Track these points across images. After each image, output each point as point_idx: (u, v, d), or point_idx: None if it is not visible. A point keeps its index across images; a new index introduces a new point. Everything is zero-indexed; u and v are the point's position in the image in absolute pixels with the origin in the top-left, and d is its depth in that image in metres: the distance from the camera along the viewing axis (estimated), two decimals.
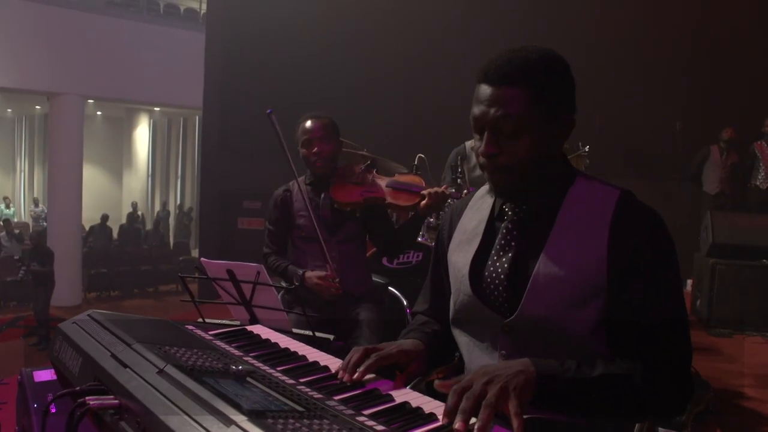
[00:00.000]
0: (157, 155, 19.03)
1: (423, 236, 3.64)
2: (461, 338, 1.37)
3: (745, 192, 6.77)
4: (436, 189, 2.47)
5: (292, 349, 1.30)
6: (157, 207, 18.72)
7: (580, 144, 4.68)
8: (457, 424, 0.95)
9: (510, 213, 1.30)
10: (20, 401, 2.26)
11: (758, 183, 6.66)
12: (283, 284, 2.51)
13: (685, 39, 6.88)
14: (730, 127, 6.64)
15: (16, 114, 19.76)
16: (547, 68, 1.21)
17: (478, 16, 7.09)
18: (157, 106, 17.03)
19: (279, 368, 1.15)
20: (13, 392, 2.37)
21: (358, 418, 0.93)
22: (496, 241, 1.31)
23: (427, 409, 1.01)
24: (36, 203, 18.68)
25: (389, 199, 2.54)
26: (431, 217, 3.66)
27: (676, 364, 1.16)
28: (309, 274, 2.52)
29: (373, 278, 2.80)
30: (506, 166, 1.22)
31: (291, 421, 0.87)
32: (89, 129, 15.28)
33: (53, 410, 1.43)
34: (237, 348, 1.26)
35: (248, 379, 1.04)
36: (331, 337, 2.10)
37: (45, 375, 2.21)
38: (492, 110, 1.20)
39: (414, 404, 1.02)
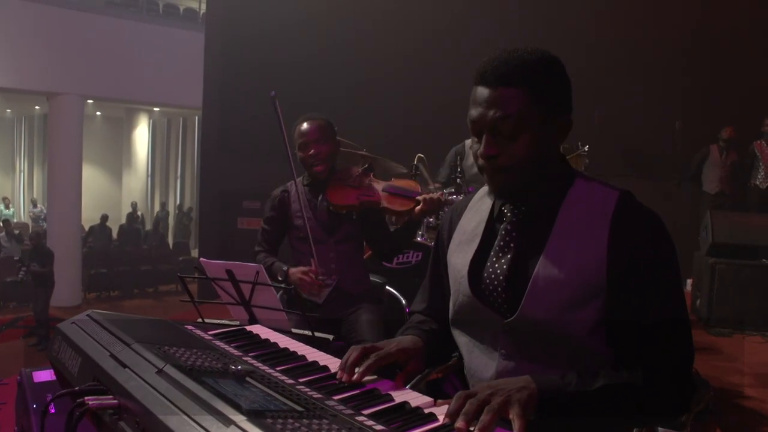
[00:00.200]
0: (156, 155, 19.03)
1: (423, 236, 3.64)
2: (461, 338, 1.37)
3: (745, 191, 6.78)
4: (431, 195, 2.46)
5: (291, 349, 1.30)
6: (157, 207, 18.72)
7: (579, 144, 4.69)
8: (459, 424, 0.95)
9: (509, 214, 1.30)
10: (20, 401, 2.26)
11: (758, 182, 6.66)
12: (283, 284, 2.51)
13: (684, 39, 6.88)
14: (730, 126, 6.64)
15: (16, 114, 19.76)
16: (544, 68, 1.21)
17: (477, 16, 7.09)
18: (156, 106, 17.02)
19: (278, 368, 1.15)
20: (13, 392, 2.37)
21: (357, 418, 0.93)
22: (496, 242, 1.31)
23: (426, 410, 1.01)
24: (34, 204, 18.68)
25: (384, 204, 2.54)
26: (431, 217, 3.66)
27: (677, 366, 1.16)
28: (293, 270, 2.50)
29: (372, 278, 2.81)
30: (506, 166, 1.22)
31: (290, 420, 0.87)
32: (89, 129, 15.28)
33: (52, 410, 1.43)
34: (236, 348, 1.26)
35: (247, 378, 1.03)
36: (331, 336, 2.10)
37: (44, 375, 2.21)
38: (490, 112, 1.20)
39: (413, 404, 1.02)
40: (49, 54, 11.73)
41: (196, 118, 15.86)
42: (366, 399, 1.04)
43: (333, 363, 1.22)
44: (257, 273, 2.05)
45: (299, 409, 0.93)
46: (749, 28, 6.79)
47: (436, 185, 3.78)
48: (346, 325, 2.52)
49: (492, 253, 1.30)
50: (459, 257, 1.36)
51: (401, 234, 2.65)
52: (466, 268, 1.32)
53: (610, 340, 1.20)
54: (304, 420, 0.88)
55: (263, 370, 1.11)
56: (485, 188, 1.38)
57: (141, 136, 18.51)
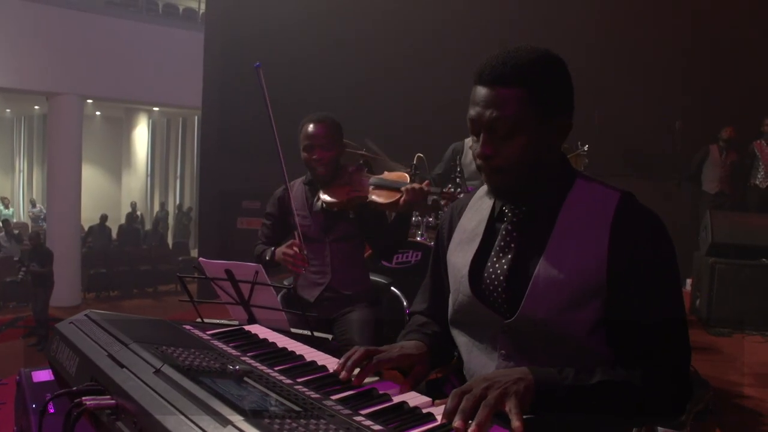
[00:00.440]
0: (156, 155, 19.02)
1: (422, 236, 3.64)
2: (460, 338, 1.37)
3: (745, 191, 6.78)
4: (413, 185, 2.41)
5: (289, 349, 1.29)
6: (156, 207, 18.72)
7: (579, 143, 4.69)
8: (456, 423, 0.95)
9: (509, 214, 1.30)
10: (19, 402, 2.25)
11: (758, 182, 6.66)
12: (281, 284, 2.51)
13: (684, 38, 6.88)
14: (730, 126, 6.64)
15: (15, 114, 19.75)
16: (543, 68, 1.20)
17: (477, 16, 7.09)
18: (156, 106, 17.02)
19: (276, 368, 1.14)
20: (12, 392, 2.36)
21: (355, 418, 0.92)
22: (496, 242, 1.30)
23: (424, 409, 1.01)
24: (33, 204, 18.68)
25: (372, 197, 2.51)
26: (430, 217, 3.66)
27: (675, 367, 1.16)
28: (278, 249, 2.50)
29: (376, 278, 2.80)
30: (502, 167, 1.22)
31: (288, 420, 0.86)
32: (88, 129, 15.28)
33: (51, 410, 1.43)
34: (234, 348, 1.26)
35: (245, 379, 1.03)
36: (330, 336, 2.10)
37: (43, 375, 2.21)
38: (487, 112, 1.19)
39: (411, 404, 1.02)
40: (49, 54, 11.73)
41: (196, 118, 15.86)
42: (364, 399, 1.03)
43: (331, 363, 1.21)
44: (256, 273, 2.05)
45: (297, 409, 0.93)
46: (749, 28, 6.79)
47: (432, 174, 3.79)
48: (338, 325, 2.51)
49: (492, 252, 1.30)
50: (459, 257, 1.36)
51: (393, 229, 2.60)
52: (467, 267, 1.32)
53: (609, 340, 1.20)
54: (302, 420, 0.88)
55: (261, 370, 1.11)
56: (485, 187, 1.38)
57: (140, 136, 18.51)
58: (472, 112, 1.22)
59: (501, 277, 1.27)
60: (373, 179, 2.56)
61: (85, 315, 1.29)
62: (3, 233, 14.22)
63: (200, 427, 0.82)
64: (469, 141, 3.60)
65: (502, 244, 1.29)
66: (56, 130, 12.51)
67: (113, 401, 0.96)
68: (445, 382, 1.46)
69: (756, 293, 4.77)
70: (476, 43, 5.88)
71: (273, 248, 2.55)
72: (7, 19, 11.31)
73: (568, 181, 1.27)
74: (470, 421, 0.96)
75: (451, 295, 1.38)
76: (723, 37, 6.76)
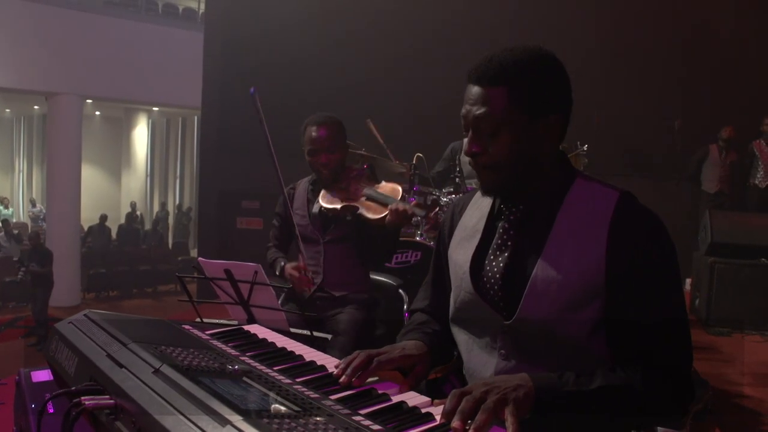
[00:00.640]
0: (155, 155, 19.02)
1: (422, 236, 3.64)
2: (460, 336, 1.37)
3: (744, 191, 6.77)
4: (398, 206, 2.36)
5: (288, 349, 1.29)
6: (156, 207, 18.72)
7: (578, 143, 4.69)
8: (455, 424, 0.95)
9: (506, 212, 1.30)
10: (18, 402, 2.25)
11: (757, 182, 6.66)
12: (280, 284, 2.51)
13: (684, 38, 6.88)
14: (729, 125, 6.63)
15: (15, 114, 19.75)
16: (529, 67, 1.20)
17: (477, 16, 7.09)
18: (155, 106, 17.01)
19: (275, 368, 1.14)
20: (11, 393, 2.36)
21: (354, 418, 0.92)
22: (494, 240, 1.30)
23: (423, 409, 1.00)
24: (33, 203, 18.67)
25: (361, 209, 2.48)
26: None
27: (676, 367, 1.16)
28: (288, 265, 2.52)
29: (384, 279, 2.79)
30: (489, 165, 1.23)
31: (287, 420, 0.86)
32: (88, 129, 15.27)
33: (51, 410, 1.43)
34: (233, 348, 1.26)
35: (244, 378, 1.03)
36: (329, 336, 2.10)
37: (43, 375, 2.21)
38: (473, 109, 1.21)
39: (410, 404, 1.02)
40: (48, 54, 11.72)
41: (196, 118, 15.85)
42: (363, 399, 1.03)
43: (330, 362, 1.21)
44: (255, 273, 2.05)
45: (296, 408, 0.93)
46: (748, 26, 6.79)
47: (434, 193, 3.76)
48: (327, 325, 2.50)
49: (490, 250, 1.30)
50: (460, 253, 1.36)
51: (381, 241, 2.54)
52: (468, 264, 1.32)
53: (609, 341, 1.19)
54: (301, 420, 0.88)
55: (260, 370, 1.11)
56: None
57: (140, 136, 18.50)
58: (463, 110, 1.24)
59: (497, 275, 1.27)
60: (366, 190, 2.52)
61: (84, 315, 1.29)
62: (2, 233, 14.23)
63: (199, 427, 0.82)
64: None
65: (500, 242, 1.29)
66: (56, 130, 12.50)
67: (112, 401, 0.96)
68: (444, 381, 1.46)
69: (755, 293, 4.77)
70: (476, 43, 5.87)
71: (283, 263, 2.57)
72: (7, 19, 11.30)
73: (567, 180, 1.27)
74: (469, 421, 0.96)
75: (452, 292, 1.37)
76: (723, 36, 6.76)
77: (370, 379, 1.15)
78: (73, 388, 1.04)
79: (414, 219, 2.48)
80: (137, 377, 0.97)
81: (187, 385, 0.93)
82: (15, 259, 10.83)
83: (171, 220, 18.06)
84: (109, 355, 1.06)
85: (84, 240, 13.99)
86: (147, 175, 18.90)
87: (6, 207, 17.93)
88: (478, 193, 1.42)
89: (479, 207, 1.39)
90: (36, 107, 17.52)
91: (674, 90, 6.89)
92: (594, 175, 1.32)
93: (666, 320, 1.16)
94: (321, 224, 2.60)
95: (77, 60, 11.99)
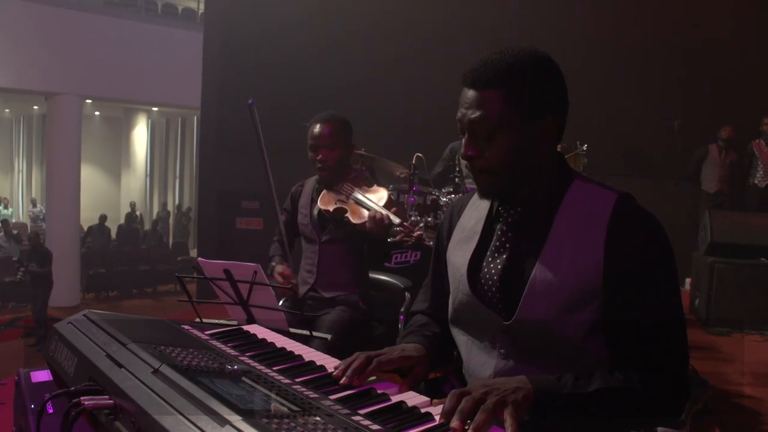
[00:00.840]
0: (155, 155, 19.02)
1: (422, 236, 3.64)
2: (460, 337, 1.37)
3: (744, 191, 6.77)
4: (375, 213, 2.35)
5: (288, 349, 1.29)
6: (155, 207, 18.72)
7: (578, 143, 4.69)
8: (454, 424, 0.95)
9: (504, 215, 1.30)
10: (17, 402, 2.25)
11: (756, 181, 6.66)
12: (279, 285, 2.51)
13: (684, 38, 6.88)
14: (729, 125, 6.64)
15: (14, 114, 19.74)
16: (524, 69, 1.20)
17: (477, 16, 7.09)
18: (155, 106, 17.01)
19: (275, 368, 1.14)
20: (11, 393, 2.36)
21: (353, 418, 0.92)
22: (492, 242, 1.30)
23: (423, 409, 1.00)
24: (34, 203, 18.67)
25: (348, 212, 2.48)
26: (429, 216, 3.66)
27: (673, 368, 1.16)
28: (277, 267, 2.55)
29: (392, 280, 2.78)
30: (486, 168, 1.22)
31: (286, 420, 0.86)
32: (87, 129, 15.27)
33: (50, 410, 1.42)
34: (233, 348, 1.26)
35: (243, 378, 1.03)
36: (329, 336, 2.09)
37: (42, 375, 2.20)
38: (468, 112, 1.20)
39: (410, 404, 1.02)
40: (48, 54, 11.72)
41: (195, 118, 15.85)
42: (362, 399, 1.03)
43: (330, 362, 1.21)
44: (255, 273, 2.05)
45: (295, 408, 0.92)
46: (748, 26, 6.79)
47: (434, 193, 3.76)
48: (317, 324, 2.50)
49: (488, 252, 1.30)
50: (458, 255, 1.36)
51: (369, 249, 2.52)
52: (466, 266, 1.32)
53: (608, 342, 1.19)
54: (300, 420, 0.88)
55: (259, 370, 1.11)
56: None
57: (140, 136, 18.50)
58: (458, 113, 1.23)
59: (495, 277, 1.27)
60: (354, 193, 2.51)
61: (84, 315, 1.29)
62: (2, 233, 14.22)
63: (198, 427, 0.82)
64: None
65: (498, 244, 1.29)
66: (55, 130, 12.50)
67: (111, 401, 0.96)
68: (444, 381, 1.46)
69: (755, 292, 4.77)
70: (476, 43, 5.87)
71: (274, 264, 2.59)
72: (7, 19, 11.30)
73: (565, 182, 1.27)
74: (468, 421, 0.96)
75: (451, 293, 1.38)
76: (722, 36, 6.76)
77: (369, 379, 1.15)
78: (73, 388, 1.04)
79: (416, 222, 2.47)
80: (136, 377, 0.97)
81: (186, 385, 0.93)
82: (14, 259, 10.83)
83: (171, 220, 18.06)
84: (108, 355, 1.06)
85: (83, 240, 13.99)
86: (146, 175, 18.90)
87: (6, 207, 17.92)
88: (477, 195, 1.42)
89: (477, 209, 1.39)
90: (35, 107, 17.52)
91: (674, 90, 6.89)
92: (594, 175, 1.32)
93: (663, 321, 1.16)
94: (320, 225, 2.61)
95: (77, 60, 11.98)
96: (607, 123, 6.61)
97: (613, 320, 1.17)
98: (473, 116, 1.19)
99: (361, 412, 0.96)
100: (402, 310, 2.64)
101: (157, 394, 0.91)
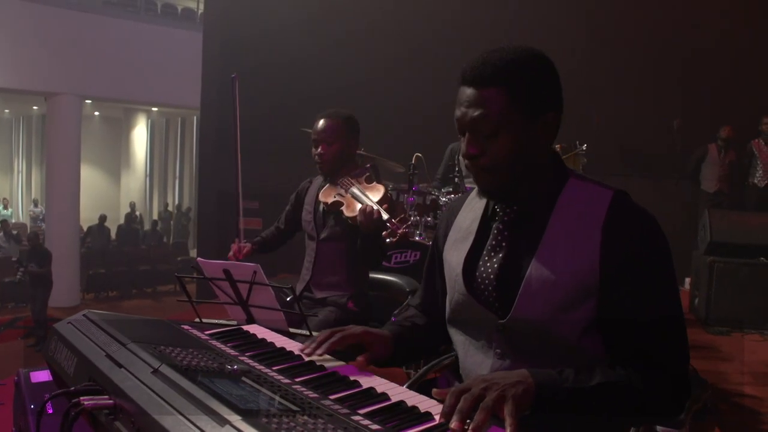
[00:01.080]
0: (155, 155, 19.02)
1: (421, 235, 3.64)
2: (457, 337, 1.37)
3: (743, 190, 6.78)
4: (366, 206, 2.35)
5: (288, 349, 1.29)
6: (156, 207, 18.72)
7: (577, 143, 4.69)
8: (453, 424, 0.94)
9: (501, 213, 1.30)
10: (17, 402, 2.25)
11: (756, 181, 6.67)
12: (279, 284, 2.51)
13: (683, 37, 6.89)
14: (728, 125, 6.64)
15: (14, 114, 19.74)
16: (524, 66, 1.20)
17: (477, 16, 7.09)
18: (155, 106, 17.02)
19: (274, 368, 1.14)
20: (11, 393, 2.36)
21: (353, 417, 0.92)
22: (488, 241, 1.31)
23: (422, 408, 1.00)
24: (35, 204, 18.66)
25: (343, 207, 2.48)
26: (428, 216, 3.66)
27: (674, 366, 1.16)
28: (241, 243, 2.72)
29: (397, 280, 2.78)
30: (488, 166, 1.22)
31: (286, 420, 0.86)
32: (87, 129, 15.27)
33: (50, 411, 1.42)
34: (232, 348, 1.26)
35: (243, 378, 1.03)
36: (308, 333, 2.09)
37: (42, 376, 2.20)
38: (470, 111, 1.20)
39: (410, 403, 1.02)
40: (47, 54, 11.72)
41: (195, 118, 15.86)
42: (362, 398, 1.03)
43: (329, 363, 1.22)
44: (254, 273, 2.05)
45: (295, 408, 0.93)
46: (747, 26, 6.80)
47: (432, 184, 3.77)
48: (308, 323, 2.50)
49: (484, 252, 1.31)
50: (454, 255, 1.36)
51: (361, 246, 2.49)
52: (461, 266, 1.32)
53: (605, 341, 1.20)
54: (300, 419, 0.88)
55: (259, 370, 1.11)
56: None
57: (139, 136, 18.50)
58: (458, 112, 1.23)
59: (492, 276, 1.27)
60: (352, 188, 2.52)
61: (83, 315, 1.29)
62: (2, 233, 14.22)
63: (198, 427, 0.82)
64: None
65: (494, 243, 1.29)
66: (55, 130, 12.50)
67: (111, 401, 0.96)
68: (441, 381, 1.47)
69: (754, 292, 4.77)
70: (476, 43, 5.84)
71: (256, 240, 2.77)
72: (6, 19, 11.30)
73: (560, 180, 1.27)
74: (468, 421, 0.96)
75: (447, 294, 1.38)
76: (721, 36, 6.77)
77: (335, 362, 1.22)
78: (72, 388, 1.04)
79: (412, 219, 2.46)
80: (136, 377, 0.97)
81: (186, 385, 0.93)
82: (14, 259, 10.82)
83: (171, 220, 18.07)
84: (108, 355, 1.06)
85: (83, 240, 13.99)
86: (146, 176, 18.91)
87: (5, 207, 17.92)
88: (472, 195, 1.43)
89: (473, 208, 1.39)
90: (35, 107, 17.52)
91: (673, 90, 6.90)
92: (593, 175, 1.32)
93: (662, 319, 1.16)
94: (319, 221, 2.61)
95: (76, 60, 11.98)
96: (606, 123, 6.62)
97: (610, 319, 1.17)
98: (475, 114, 1.19)
99: (361, 411, 0.96)
100: (396, 312, 2.63)
101: (157, 394, 0.91)
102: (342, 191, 2.52)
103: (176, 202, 19.00)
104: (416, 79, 7.06)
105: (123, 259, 13.52)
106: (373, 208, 2.34)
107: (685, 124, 6.75)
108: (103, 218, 14.63)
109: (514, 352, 1.24)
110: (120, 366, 1.02)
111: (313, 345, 1.23)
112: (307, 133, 2.65)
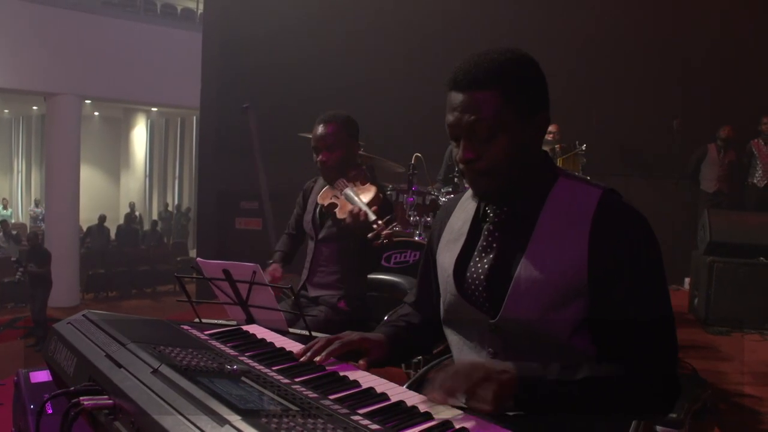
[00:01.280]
0: (154, 155, 19.02)
1: (421, 236, 3.64)
2: (452, 337, 1.38)
3: (743, 190, 6.78)
4: (354, 208, 2.33)
5: (287, 349, 1.29)
6: (155, 207, 18.71)
7: (577, 143, 4.69)
8: (432, 395, 1.02)
9: (491, 215, 1.30)
10: (17, 402, 2.25)
11: (755, 181, 6.67)
12: (279, 284, 2.51)
13: (682, 37, 6.89)
14: (728, 125, 6.64)
15: (13, 114, 19.74)
16: (516, 68, 1.21)
17: (476, 16, 7.09)
18: (154, 107, 17.02)
19: (274, 368, 1.14)
20: (10, 393, 2.36)
21: (353, 417, 0.93)
22: (479, 242, 1.31)
23: (422, 409, 1.01)
24: (37, 204, 18.66)
25: (338, 208, 2.46)
26: (428, 217, 3.66)
27: (662, 365, 1.16)
28: (270, 267, 2.64)
29: (401, 281, 2.78)
30: (485, 170, 1.22)
31: (285, 420, 0.86)
32: (86, 129, 15.27)
33: (50, 411, 1.42)
34: (232, 348, 1.26)
35: (243, 378, 1.03)
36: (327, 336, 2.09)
37: (42, 376, 2.21)
38: (465, 116, 1.20)
39: (409, 403, 1.02)
40: (47, 54, 11.72)
41: (194, 118, 15.86)
42: (362, 398, 1.03)
43: (329, 363, 1.22)
44: (254, 273, 2.05)
45: (295, 408, 0.93)
46: (747, 26, 6.80)
47: (435, 185, 3.76)
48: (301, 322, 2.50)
49: (475, 252, 1.31)
50: (446, 256, 1.37)
51: (353, 250, 2.49)
52: (452, 267, 1.34)
53: (594, 340, 1.20)
54: (299, 419, 0.88)
55: (259, 370, 1.11)
56: None
57: (139, 136, 18.50)
58: (451, 117, 1.23)
59: (482, 277, 1.28)
60: (346, 189, 2.50)
61: (83, 315, 1.29)
62: (1, 234, 14.22)
63: (198, 427, 0.82)
64: None
65: (485, 244, 1.30)
66: (54, 130, 12.50)
67: (111, 401, 0.96)
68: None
69: (754, 292, 4.77)
70: (476, 43, 5.84)
71: (270, 262, 2.67)
72: (6, 20, 11.30)
73: (549, 180, 1.27)
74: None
75: (441, 294, 1.39)
76: (720, 35, 6.77)
77: (328, 361, 1.23)
78: (72, 388, 1.04)
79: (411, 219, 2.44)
80: (136, 377, 0.97)
81: (185, 385, 0.93)
82: (13, 259, 10.82)
83: (171, 221, 18.07)
84: (107, 356, 1.06)
85: (83, 240, 13.99)
86: (146, 176, 18.90)
87: (5, 208, 17.92)
88: (465, 196, 1.44)
89: (465, 209, 1.40)
90: (35, 108, 17.52)
91: (673, 90, 6.90)
92: (593, 175, 1.32)
93: (650, 318, 1.16)
94: (318, 221, 2.62)
95: (76, 60, 11.98)
96: (606, 123, 6.62)
97: (599, 318, 1.17)
98: (470, 119, 1.19)
99: (361, 411, 0.96)
100: (390, 313, 2.63)
101: (157, 394, 0.91)
102: (338, 193, 2.52)
103: (176, 202, 19.00)
104: (416, 79, 7.06)
105: (122, 260, 13.52)
106: (360, 210, 2.32)
107: (685, 124, 6.75)
108: (102, 218, 14.63)
109: (507, 351, 1.24)
110: (120, 366, 1.02)
111: (309, 354, 1.24)
112: (306, 138, 2.64)
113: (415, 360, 2.53)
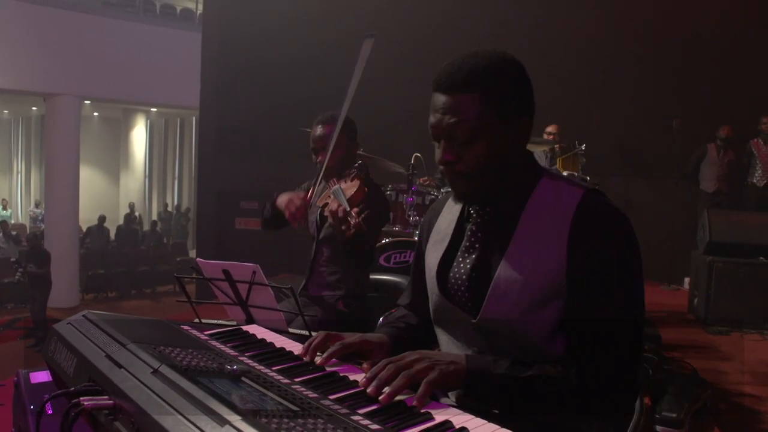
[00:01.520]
0: (154, 156, 19.02)
1: (420, 235, 3.64)
2: (441, 337, 1.39)
3: (742, 190, 6.78)
4: (332, 207, 2.24)
5: (287, 349, 1.29)
6: (154, 208, 18.71)
7: (577, 143, 4.69)
8: (369, 389, 1.02)
9: (474, 215, 1.31)
10: (17, 403, 2.25)
11: (755, 181, 6.67)
12: (279, 284, 2.50)
13: (682, 36, 6.89)
14: (727, 125, 6.65)
15: (13, 115, 19.74)
16: (498, 71, 1.21)
17: (476, 16, 7.09)
18: (154, 107, 17.01)
19: (274, 368, 1.14)
20: (10, 394, 2.36)
21: (353, 417, 0.92)
22: (462, 242, 1.32)
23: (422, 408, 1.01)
24: (37, 204, 18.65)
25: (328, 206, 2.38)
26: (422, 216, 3.66)
27: (617, 366, 1.15)
28: (286, 194, 2.47)
29: (401, 280, 2.78)
30: (464, 172, 1.22)
31: (285, 420, 0.86)
32: (86, 130, 15.27)
33: (50, 411, 1.43)
34: (232, 348, 1.26)
35: (243, 378, 1.03)
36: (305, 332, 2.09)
37: (41, 376, 2.21)
38: (446, 118, 1.20)
39: (409, 403, 1.02)
40: (46, 55, 11.72)
41: (194, 118, 15.85)
42: (362, 398, 1.03)
43: (330, 363, 1.22)
44: (254, 273, 2.05)
45: (294, 408, 0.93)
46: (746, 25, 6.80)
47: (425, 180, 3.76)
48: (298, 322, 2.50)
49: (459, 253, 1.32)
50: (432, 257, 1.38)
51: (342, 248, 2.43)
52: (436, 267, 1.35)
53: (567, 340, 1.20)
54: (299, 419, 0.88)
55: (259, 370, 1.11)
56: None
57: (138, 136, 18.50)
58: (432, 119, 1.23)
59: (464, 277, 1.28)
60: (335, 187, 2.45)
61: (83, 315, 1.29)
62: (1, 234, 14.21)
63: (198, 427, 0.81)
64: None
65: (467, 244, 1.31)
66: (54, 131, 12.50)
67: (111, 401, 0.96)
68: None
69: (754, 292, 4.77)
70: (476, 44, 5.86)
71: (276, 196, 2.51)
72: (5, 20, 11.30)
73: (532, 180, 1.27)
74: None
75: (429, 294, 1.40)
76: (720, 34, 6.77)
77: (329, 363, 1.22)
78: (72, 388, 1.04)
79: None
80: (136, 377, 0.97)
81: (185, 385, 0.93)
82: (13, 260, 10.82)
83: (170, 221, 18.06)
84: (107, 356, 1.06)
85: (82, 241, 13.99)
86: (145, 176, 18.90)
87: (5, 208, 17.92)
88: (452, 197, 1.44)
89: (451, 210, 1.40)
90: (34, 108, 17.51)
91: (672, 89, 6.90)
92: (593, 175, 1.32)
93: (614, 319, 1.15)
94: (318, 222, 2.63)
95: (75, 61, 11.99)
96: (605, 123, 6.62)
97: (570, 317, 1.17)
98: (451, 121, 1.19)
99: (361, 411, 0.96)
100: (386, 314, 2.61)
101: (157, 395, 0.91)
102: (330, 191, 2.51)
103: (175, 202, 19.00)
104: (416, 79, 7.02)
105: (122, 260, 13.52)
106: (338, 206, 2.24)
107: (685, 124, 6.74)
108: (102, 219, 14.63)
109: (490, 351, 1.24)
110: (120, 366, 1.02)
111: (308, 351, 1.23)
112: (306, 133, 2.63)
113: None
